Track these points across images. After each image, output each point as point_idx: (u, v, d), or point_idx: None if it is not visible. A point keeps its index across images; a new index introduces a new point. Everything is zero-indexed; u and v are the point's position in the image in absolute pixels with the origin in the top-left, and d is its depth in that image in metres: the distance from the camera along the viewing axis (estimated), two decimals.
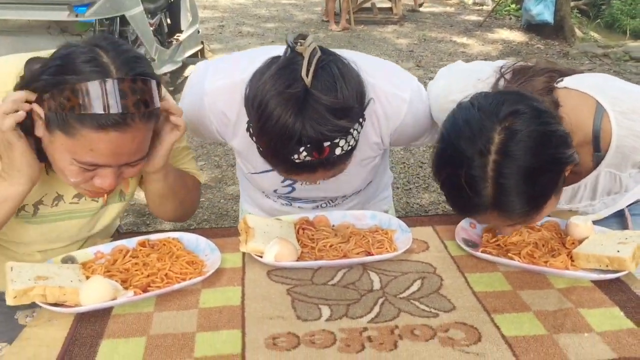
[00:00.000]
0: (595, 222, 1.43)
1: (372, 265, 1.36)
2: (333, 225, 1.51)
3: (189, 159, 1.60)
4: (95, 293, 1.17)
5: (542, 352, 1.06)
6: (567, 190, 1.43)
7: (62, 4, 4.71)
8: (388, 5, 10.70)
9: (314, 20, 10.50)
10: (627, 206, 1.49)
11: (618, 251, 1.26)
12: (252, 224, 1.40)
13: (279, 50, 1.26)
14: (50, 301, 1.16)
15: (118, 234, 1.67)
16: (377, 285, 1.28)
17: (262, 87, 1.19)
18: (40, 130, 1.17)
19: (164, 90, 1.30)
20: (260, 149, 1.26)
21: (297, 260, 1.33)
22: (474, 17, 10.87)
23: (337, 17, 9.94)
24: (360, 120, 1.24)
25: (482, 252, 1.38)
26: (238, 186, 4.34)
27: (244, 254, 1.39)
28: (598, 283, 1.28)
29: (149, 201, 1.50)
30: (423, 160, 4.67)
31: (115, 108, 1.11)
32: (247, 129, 1.27)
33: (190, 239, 1.43)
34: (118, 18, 5.08)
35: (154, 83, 1.19)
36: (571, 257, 1.33)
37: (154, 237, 1.43)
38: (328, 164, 1.22)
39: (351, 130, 1.20)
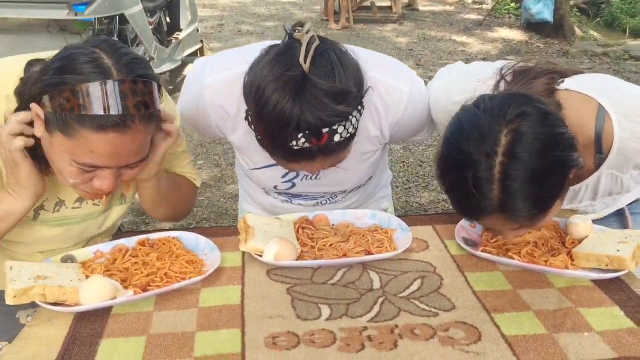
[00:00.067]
0: (595, 222, 1.43)
1: (372, 264, 1.36)
2: (333, 225, 1.51)
3: (187, 163, 1.60)
4: (95, 292, 1.17)
5: (543, 352, 1.06)
6: (568, 191, 1.43)
7: (61, 3, 4.70)
8: (388, 4, 10.70)
9: (313, 19, 10.50)
10: (627, 205, 1.49)
11: (618, 250, 1.26)
12: (252, 223, 1.40)
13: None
14: (50, 301, 1.16)
15: (120, 233, 1.67)
16: (377, 284, 1.28)
17: (259, 72, 1.19)
18: (39, 131, 1.17)
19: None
20: (259, 137, 1.25)
21: (297, 260, 1.33)
22: (473, 16, 10.87)
23: (337, 16, 9.93)
24: (359, 108, 1.24)
25: (482, 251, 1.38)
26: (238, 185, 4.34)
27: (243, 253, 1.39)
28: (598, 282, 1.28)
29: (142, 204, 1.50)
30: (422, 159, 4.67)
31: (115, 109, 1.10)
32: (246, 118, 1.26)
33: (190, 238, 1.43)
34: (117, 17, 5.07)
35: (154, 85, 1.19)
36: (571, 257, 1.33)
37: (153, 236, 1.43)
38: (327, 151, 1.22)
39: (350, 117, 1.20)
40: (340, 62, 1.20)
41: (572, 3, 9.73)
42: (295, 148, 1.18)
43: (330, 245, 1.40)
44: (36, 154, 1.22)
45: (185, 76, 6.16)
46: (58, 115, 1.11)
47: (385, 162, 1.79)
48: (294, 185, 1.58)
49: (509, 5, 10.83)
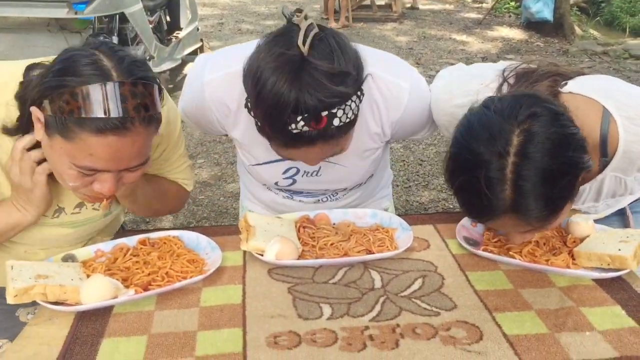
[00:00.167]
0: (596, 221, 1.43)
1: (373, 263, 1.36)
2: (334, 224, 1.51)
3: (183, 168, 1.59)
4: (96, 292, 1.16)
5: (544, 351, 1.06)
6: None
7: (61, 2, 4.70)
8: (388, 2, 10.69)
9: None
10: (628, 204, 1.49)
11: (619, 249, 1.26)
12: (252, 222, 1.40)
13: None
14: (51, 300, 1.16)
15: (122, 231, 1.67)
16: (378, 283, 1.28)
17: (257, 55, 1.18)
18: (39, 134, 1.16)
19: None
20: (258, 123, 1.24)
21: (298, 259, 1.33)
22: (473, 15, 10.87)
23: (337, 14, 9.93)
24: (359, 93, 1.23)
25: (483, 250, 1.38)
26: (238, 184, 4.34)
27: (244, 252, 1.39)
28: (599, 282, 1.28)
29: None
30: (423, 158, 4.67)
31: (115, 112, 1.09)
32: (246, 105, 1.26)
33: (191, 237, 1.42)
34: (117, 15, 5.07)
35: (155, 87, 1.18)
36: (572, 256, 1.33)
37: (154, 235, 1.43)
38: (327, 135, 1.20)
39: (349, 102, 1.19)
40: (339, 47, 1.19)
41: (571, 2, 9.73)
42: (295, 132, 1.17)
43: (331, 244, 1.39)
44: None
45: (185, 75, 6.15)
46: (57, 118, 1.10)
47: (386, 160, 1.78)
48: (294, 182, 1.58)
49: (509, 3, 10.83)
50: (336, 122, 1.18)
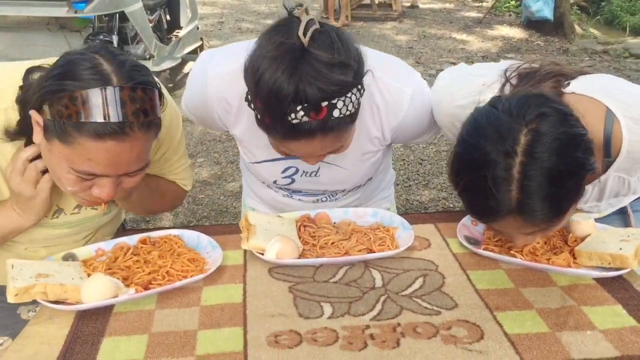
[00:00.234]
0: (597, 220, 1.43)
1: (373, 262, 1.35)
2: (334, 223, 1.50)
3: (182, 169, 1.59)
4: (97, 291, 1.16)
5: (545, 350, 1.06)
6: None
7: (61, 0, 4.70)
8: (387, 1, 10.69)
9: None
10: (629, 203, 1.49)
11: (620, 249, 1.26)
12: (253, 221, 1.40)
13: None
14: (52, 299, 1.16)
15: (123, 230, 1.67)
16: (379, 282, 1.28)
17: (258, 47, 1.18)
18: (38, 138, 1.16)
19: None
20: (258, 116, 1.23)
21: (298, 258, 1.33)
22: (473, 14, 10.86)
23: (337, 13, 9.92)
24: (359, 87, 1.22)
25: (484, 249, 1.38)
26: (238, 183, 4.34)
27: (245, 251, 1.39)
28: (600, 281, 1.27)
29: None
30: (423, 157, 4.67)
31: (114, 117, 1.09)
32: (246, 99, 1.25)
33: (192, 236, 1.42)
34: (117, 14, 5.07)
35: (155, 92, 1.17)
36: (573, 255, 1.33)
37: (155, 234, 1.43)
38: (326, 128, 1.19)
39: (349, 94, 1.18)
40: (340, 40, 1.18)
41: (572, 1, 9.73)
42: (294, 122, 1.16)
43: (332, 243, 1.39)
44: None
45: (185, 73, 6.14)
46: (56, 122, 1.10)
47: (388, 162, 1.78)
48: (293, 181, 1.58)
49: (509, 2, 10.83)
50: (336, 113, 1.17)
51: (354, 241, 1.40)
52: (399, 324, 1.14)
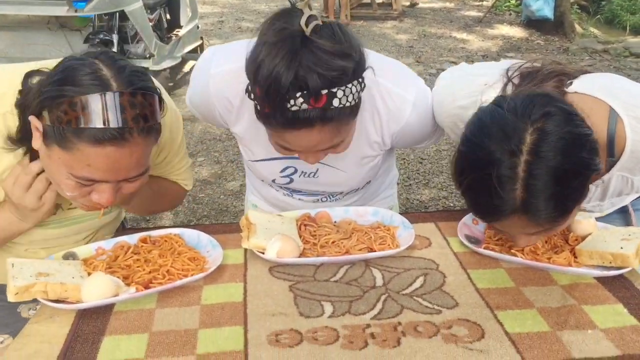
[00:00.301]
0: (598, 219, 1.43)
1: (374, 261, 1.35)
2: (335, 222, 1.50)
3: (183, 170, 1.59)
4: (97, 289, 1.16)
5: (546, 349, 1.06)
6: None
7: None
8: (387, 0, 10.68)
9: None
10: (630, 202, 1.49)
11: (621, 248, 1.26)
12: (253, 220, 1.40)
13: None
14: (52, 298, 1.16)
15: (122, 229, 1.67)
16: (379, 281, 1.28)
17: (259, 35, 1.18)
18: (37, 143, 1.15)
19: None
20: (258, 106, 1.22)
21: (299, 257, 1.33)
22: (473, 13, 10.86)
23: (337, 12, 9.91)
24: (360, 80, 1.21)
25: (484, 248, 1.37)
26: (238, 182, 4.34)
27: (245, 250, 1.39)
28: (601, 280, 1.27)
29: None
30: (423, 156, 4.67)
31: (114, 122, 1.09)
32: (246, 90, 1.24)
33: (192, 235, 1.42)
34: (117, 13, 5.07)
35: (155, 97, 1.17)
36: (574, 254, 1.33)
37: (155, 233, 1.43)
38: (326, 118, 1.18)
39: (349, 85, 1.17)
40: (342, 32, 1.18)
41: (572, 0, 9.72)
42: (293, 109, 1.15)
43: (333, 242, 1.39)
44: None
45: (185, 73, 6.13)
46: (55, 128, 1.10)
47: (390, 164, 1.78)
48: (291, 181, 1.58)
49: (509, 2, 10.82)
50: (336, 102, 1.17)
51: (355, 240, 1.39)
52: (399, 323, 1.14)
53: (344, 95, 1.17)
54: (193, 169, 4.36)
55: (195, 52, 6.59)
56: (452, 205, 3.95)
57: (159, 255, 1.33)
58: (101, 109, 1.08)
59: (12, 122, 1.21)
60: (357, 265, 1.34)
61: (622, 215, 1.52)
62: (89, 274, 1.24)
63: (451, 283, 1.27)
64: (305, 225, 1.46)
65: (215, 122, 1.55)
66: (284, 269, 1.32)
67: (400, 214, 1.54)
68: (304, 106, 1.14)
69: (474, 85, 1.41)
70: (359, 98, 1.24)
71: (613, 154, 1.29)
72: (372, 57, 1.30)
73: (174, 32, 6.22)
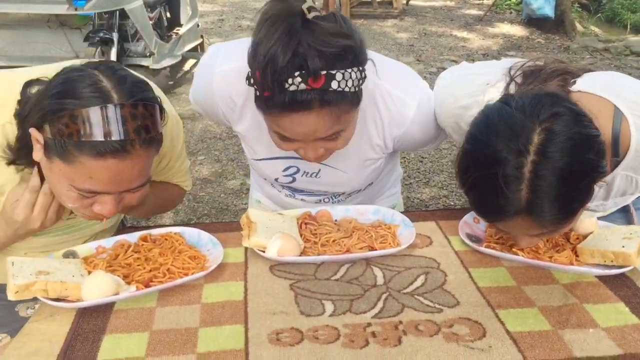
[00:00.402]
0: (599, 217, 1.43)
1: (375, 260, 1.35)
2: (336, 220, 1.50)
3: (183, 172, 1.59)
4: (97, 288, 1.16)
5: (547, 348, 1.06)
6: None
7: None
8: None
9: None
10: (632, 201, 1.48)
11: (623, 246, 1.26)
12: (254, 219, 1.39)
13: None
14: (52, 296, 1.15)
15: (122, 227, 1.66)
16: (380, 280, 1.27)
17: (259, 18, 1.17)
18: (38, 155, 1.15)
19: None
20: (257, 92, 1.21)
21: (300, 255, 1.33)
22: (474, 11, 10.85)
23: (337, 10, 9.91)
24: (361, 68, 1.20)
25: (485, 247, 1.37)
26: (238, 180, 4.33)
27: (246, 248, 1.39)
28: (603, 278, 1.27)
29: None
30: (423, 155, 4.66)
31: (116, 134, 1.08)
32: (247, 78, 1.23)
33: (192, 234, 1.42)
34: (117, 12, 5.07)
35: (156, 108, 1.17)
36: (576, 253, 1.32)
37: (155, 231, 1.42)
38: (324, 100, 1.17)
39: (349, 70, 1.17)
40: (344, 20, 1.18)
41: None
42: (291, 89, 1.14)
43: (333, 240, 1.39)
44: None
45: (185, 71, 6.12)
46: (57, 141, 1.09)
47: (394, 163, 1.78)
48: (294, 180, 1.58)
49: (510, 0, 10.81)
50: (334, 85, 1.15)
51: (356, 239, 1.39)
52: (400, 322, 1.13)
53: (343, 79, 1.16)
54: (193, 167, 4.35)
55: (196, 51, 6.59)
56: (452, 204, 3.95)
57: (160, 253, 1.32)
58: (102, 122, 1.08)
59: (11, 133, 1.21)
60: (358, 263, 1.34)
61: (624, 214, 1.52)
62: (89, 272, 1.24)
63: (452, 282, 1.27)
64: (306, 223, 1.46)
65: (218, 120, 1.55)
66: (285, 268, 1.32)
67: (401, 212, 1.53)
68: (302, 86, 1.13)
69: (474, 85, 1.40)
70: (360, 88, 1.23)
71: (617, 153, 1.28)
72: (376, 59, 1.29)
73: (174, 31, 6.22)
